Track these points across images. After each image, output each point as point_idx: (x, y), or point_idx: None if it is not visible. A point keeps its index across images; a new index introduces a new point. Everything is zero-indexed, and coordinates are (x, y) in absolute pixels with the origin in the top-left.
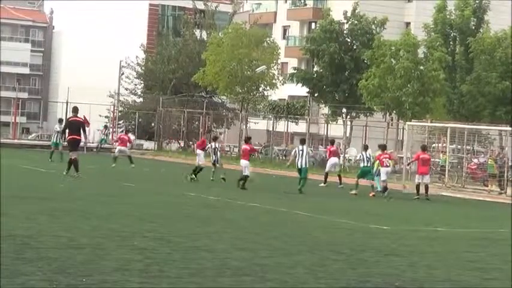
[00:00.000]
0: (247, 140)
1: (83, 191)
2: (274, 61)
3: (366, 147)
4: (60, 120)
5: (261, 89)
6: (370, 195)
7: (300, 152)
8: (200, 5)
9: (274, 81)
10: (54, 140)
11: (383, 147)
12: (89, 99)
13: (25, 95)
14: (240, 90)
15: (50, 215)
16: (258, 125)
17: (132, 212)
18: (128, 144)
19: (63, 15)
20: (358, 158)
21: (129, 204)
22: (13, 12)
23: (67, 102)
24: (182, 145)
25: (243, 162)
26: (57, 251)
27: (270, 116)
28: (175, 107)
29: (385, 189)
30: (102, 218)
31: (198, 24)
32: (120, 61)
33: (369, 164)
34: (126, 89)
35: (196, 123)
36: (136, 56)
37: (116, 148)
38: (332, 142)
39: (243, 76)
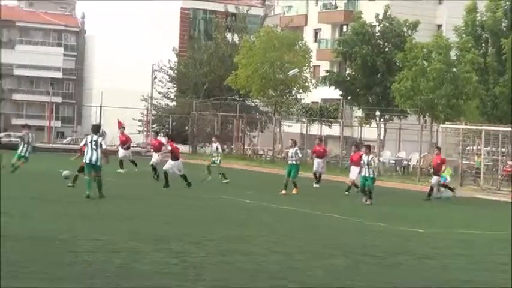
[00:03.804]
0: (320, 140)
1: (118, 195)
2: (306, 64)
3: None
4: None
5: (293, 92)
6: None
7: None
8: (232, 9)
9: (306, 84)
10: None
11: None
12: (122, 103)
13: (59, 100)
14: (273, 94)
15: (86, 218)
16: (291, 128)
17: (168, 215)
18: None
19: (95, 19)
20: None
21: (164, 207)
22: (45, 16)
23: (101, 106)
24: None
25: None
26: (93, 254)
27: (303, 119)
28: (209, 110)
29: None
30: (138, 221)
31: (229, 27)
32: (153, 65)
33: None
34: (160, 93)
35: (230, 126)
36: (169, 60)
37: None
38: (357, 146)
39: (276, 79)
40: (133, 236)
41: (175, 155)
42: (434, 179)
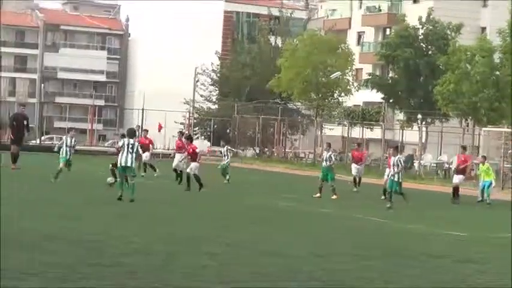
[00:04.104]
0: (359, 145)
1: (154, 197)
2: (349, 67)
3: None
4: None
5: (335, 95)
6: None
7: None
8: (275, 12)
9: (348, 87)
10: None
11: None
12: (164, 106)
13: (102, 102)
14: (315, 97)
15: (123, 220)
16: (333, 131)
17: (204, 217)
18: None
19: (139, 22)
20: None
21: (201, 209)
22: (89, 20)
23: (143, 109)
24: (258, 151)
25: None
26: (129, 256)
27: (345, 122)
28: (250, 113)
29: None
30: (174, 223)
31: (272, 30)
32: (195, 68)
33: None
34: (202, 96)
35: (271, 129)
36: (212, 63)
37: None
38: (395, 149)
39: (318, 82)
40: (168, 238)
41: (194, 157)
42: (458, 178)
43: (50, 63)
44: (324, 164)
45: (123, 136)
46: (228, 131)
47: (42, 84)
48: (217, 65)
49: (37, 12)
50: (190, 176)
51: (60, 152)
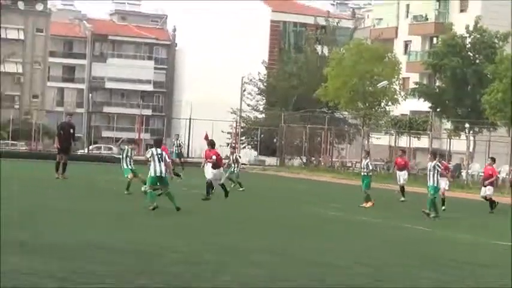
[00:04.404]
0: (403, 152)
1: (204, 207)
2: (396, 76)
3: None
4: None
5: (382, 104)
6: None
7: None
8: (321, 21)
9: (395, 96)
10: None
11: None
12: (211, 115)
13: (149, 112)
14: (362, 106)
15: (173, 230)
16: (380, 140)
17: (254, 228)
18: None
19: (186, 32)
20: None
21: (250, 219)
22: (136, 30)
23: (190, 119)
24: (304, 161)
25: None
26: (181, 266)
27: (392, 132)
28: (297, 122)
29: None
30: (223, 233)
31: (319, 40)
32: (242, 77)
33: None
34: (248, 105)
35: (318, 138)
36: (258, 72)
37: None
38: (441, 156)
39: (365, 91)
40: (216, 248)
41: (217, 164)
42: (487, 190)
43: (97, 73)
44: (362, 172)
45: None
46: (274, 140)
47: (90, 94)
48: (264, 75)
49: (85, 23)
50: (215, 184)
51: (125, 164)
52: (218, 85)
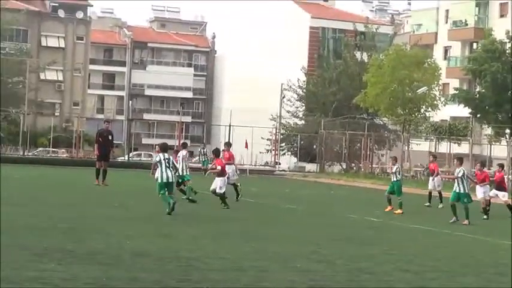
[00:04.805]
0: (434, 157)
1: (242, 214)
2: (435, 82)
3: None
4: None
5: (422, 110)
6: None
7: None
8: (360, 27)
9: (435, 102)
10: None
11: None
12: (251, 122)
13: (189, 119)
14: (402, 112)
15: (213, 237)
16: (420, 146)
17: (295, 234)
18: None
19: (225, 39)
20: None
21: (291, 225)
22: (176, 37)
23: (230, 126)
24: (344, 167)
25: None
26: (221, 273)
27: (432, 137)
28: (337, 129)
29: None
30: (264, 240)
31: (358, 46)
32: (282, 84)
33: None
34: (288, 112)
35: (358, 145)
36: (298, 79)
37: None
38: (482, 164)
39: (404, 97)
40: (259, 255)
41: (222, 172)
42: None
43: (137, 81)
44: (392, 178)
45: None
46: (314, 146)
47: (130, 101)
48: (304, 81)
49: (125, 30)
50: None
51: (182, 170)
52: (257, 92)
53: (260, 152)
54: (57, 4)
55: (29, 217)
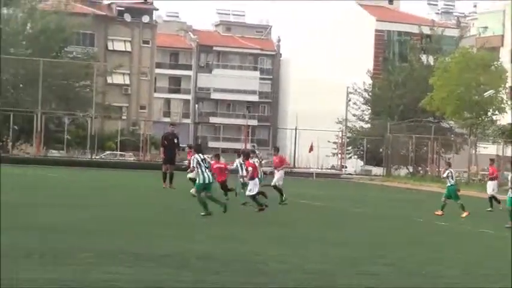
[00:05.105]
0: (492, 161)
1: (307, 217)
2: (502, 85)
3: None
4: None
5: (489, 113)
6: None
7: None
8: (426, 30)
9: (502, 105)
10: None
11: None
12: (317, 125)
13: (255, 122)
14: (468, 115)
15: (278, 240)
16: (487, 149)
17: (361, 237)
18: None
19: (290, 42)
20: None
21: (357, 229)
22: (241, 41)
23: (296, 129)
24: (411, 170)
25: None
26: (287, 275)
27: (499, 141)
28: (403, 132)
29: None
30: (331, 243)
31: (424, 49)
32: (347, 87)
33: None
34: (354, 115)
35: (425, 148)
36: (363, 82)
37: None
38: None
39: (471, 101)
40: (324, 258)
41: (252, 175)
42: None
43: (203, 84)
44: (447, 182)
45: (190, 147)
46: (380, 150)
47: (196, 105)
48: (369, 84)
49: (190, 34)
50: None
51: (261, 176)
52: (323, 95)
53: (326, 156)
54: (123, 8)
55: (95, 219)
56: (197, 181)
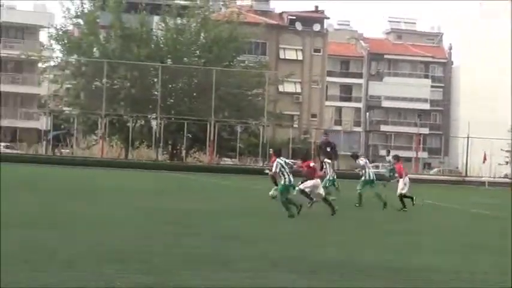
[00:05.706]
0: None
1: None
2: None
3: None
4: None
5: None
6: None
7: None
8: None
9: None
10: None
11: None
12: (489, 134)
13: (426, 131)
14: None
15: (431, 248)
16: None
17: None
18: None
19: (462, 50)
20: None
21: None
22: (412, 48)
23: (468, 137)
24: None
25: None
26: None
27: None
28: None
29: None
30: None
31: None
32: None
33: None
34: None
35: None
36: None
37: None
38: None
39: None
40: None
41: (310, 175)
42: None
43: (374, 92)
44: None
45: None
46: None
47: (367, 113)
48: None
49: (361, 42)
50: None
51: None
52: (496, 103)
53: (499, 164)
54: (294, 17)
55: (246, 227)
56: (281, 184)
